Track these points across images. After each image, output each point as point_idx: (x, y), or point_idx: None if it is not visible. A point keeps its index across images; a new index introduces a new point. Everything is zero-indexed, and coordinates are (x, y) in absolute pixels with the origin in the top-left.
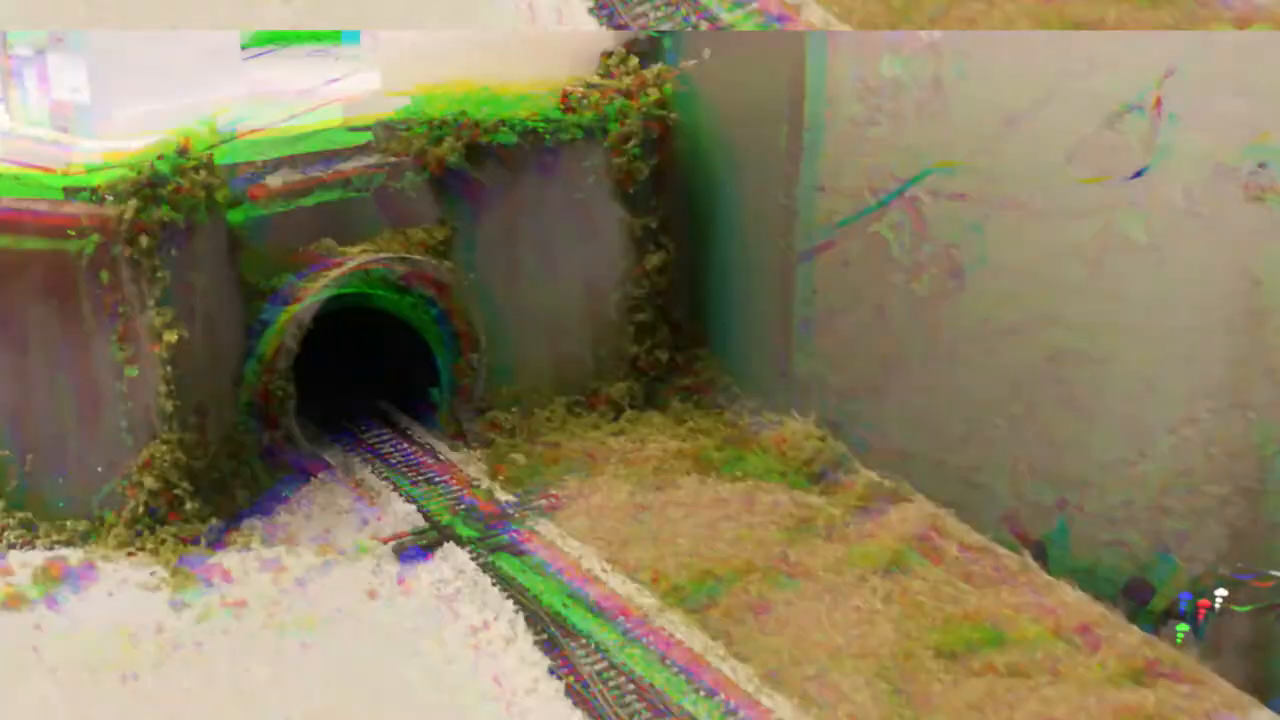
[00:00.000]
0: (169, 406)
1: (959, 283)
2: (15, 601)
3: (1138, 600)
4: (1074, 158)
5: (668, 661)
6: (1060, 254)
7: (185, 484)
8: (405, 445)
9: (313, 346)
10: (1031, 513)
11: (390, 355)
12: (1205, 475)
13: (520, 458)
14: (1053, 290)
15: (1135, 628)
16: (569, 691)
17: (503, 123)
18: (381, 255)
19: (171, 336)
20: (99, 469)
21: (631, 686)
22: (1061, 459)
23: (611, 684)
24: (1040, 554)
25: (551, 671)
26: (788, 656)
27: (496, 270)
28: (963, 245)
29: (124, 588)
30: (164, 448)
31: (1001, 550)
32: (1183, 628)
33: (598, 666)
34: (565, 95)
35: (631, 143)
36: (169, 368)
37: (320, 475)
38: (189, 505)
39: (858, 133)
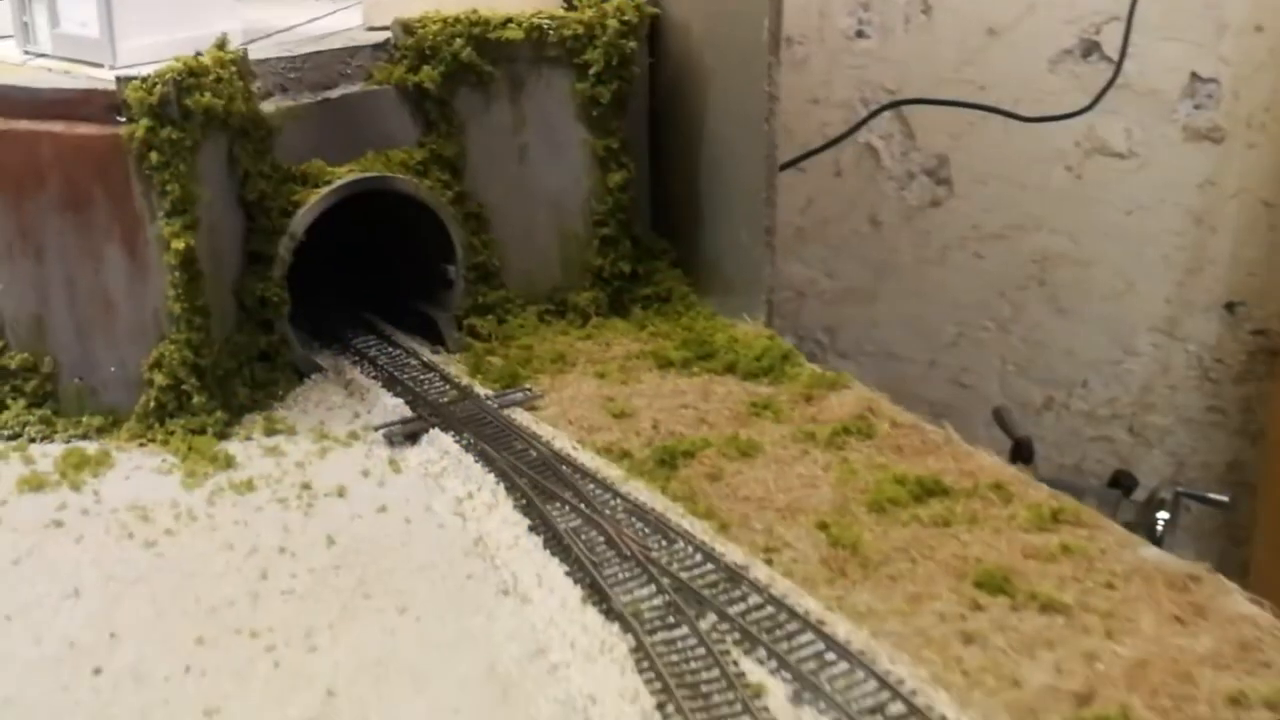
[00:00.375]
0: (176, 309)
1: (948, 190)
2: (39, 484)
3: (1122, 491)
4: (1055, 67)
5: (633, 519)
6: (1044, 161)
7: (192, 380)
8: (390, 349)
9: (306, 258)
10: (1020, 411)
11: (375, 270)
12: (1183, 372)
13: (497, 360)
14: (1037, 196)
15: (1043, 485)
16: (546, 544)
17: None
18: (365, 175)
19: (180, 244)
20: (112, 369)
21: (601, 539)
22: (1048, 359)
23: (583, 538)
24: (1028, 450)
25: (530, 529)
26: (739, 515)
27: (474, 190)
28: (951, 154)
29: (139, 472)
30: (172, 347)
31: (929, 426)
32: (1163, 515)
33: (573, 524)
34: (534, 28)
35: (594, 70)
36: (177, 274)
37: (313, 376)
38: (196, 400)
39: (848, 46)
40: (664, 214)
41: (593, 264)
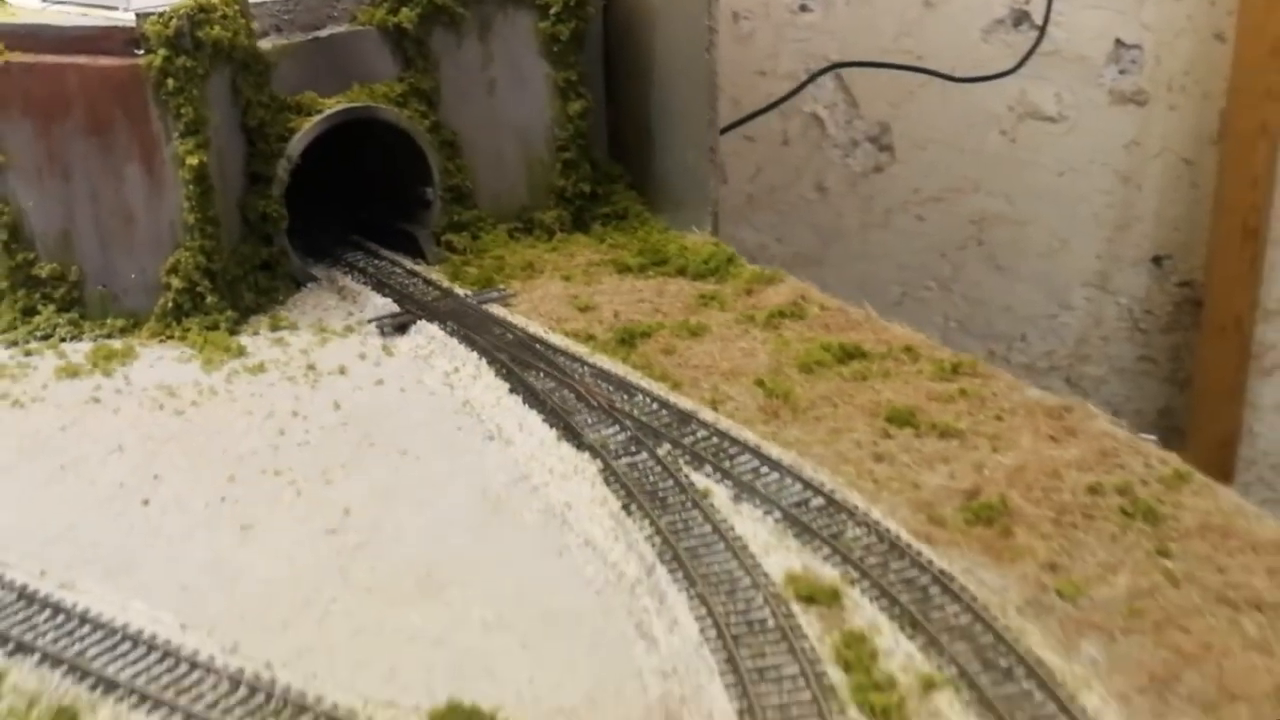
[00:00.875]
0: (190, 219)
1: (890, 156)
2: (73, 372)
3: None
4: (988, 36)
5: (598, 380)
6: (980, 126)
7: (205, 283)
8: (376, 261)
9: (299, 191)
10: None
11: (360, 201)
12: (1114, 324)
13: (472, 269)
14: (974, 159)
15: (948, 348)
16: (524, 400)
17: None
18: (352, 105)
19: (194, 160)
20: (132, 276)
21: (572, 395)
22: (988, 315)
23: (556, 395)
24: None
25: (510, 391)
26: (689, 377)
27: (448, 119)
28: (892, 122)
29: (161, 361)
30: (187, 254)
31: (853, 309)
32: None
33: (547, 385)
34: None
35: (554, 10)
36: (191, 187)
37: (309, 284)
38: (209, 300)
39: (792, 19)
40: (619, 140)
41: (556, 185)
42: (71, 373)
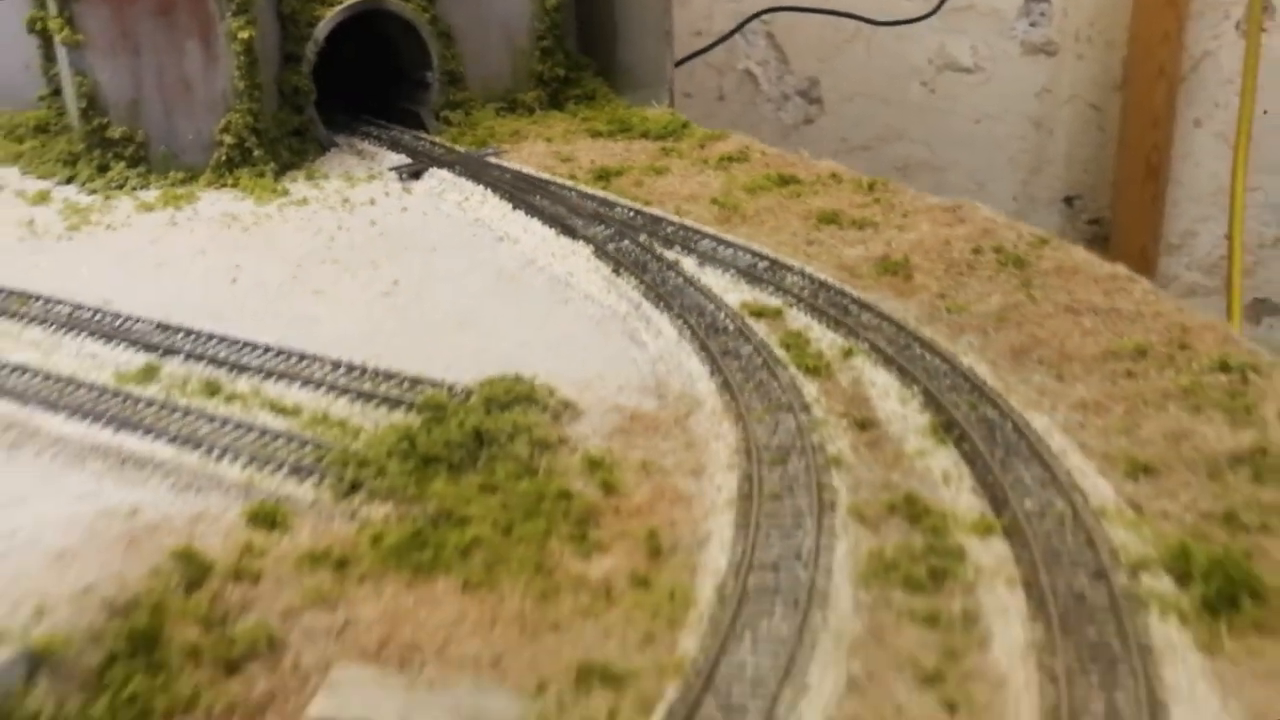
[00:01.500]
0: (240, 86)
1: (819, 109)
2: (149, 208)
3: None
4: None
5: (584, 199)
6: (902, 78)
7: (253, 139)
8: (387, 131)
9: (320, 82)
10: None
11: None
12: None
13: (468, 137)
14: (898, 110)
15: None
16: (526, 213)
17: None
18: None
19: (244, 35)
20: (190, 136)
21: (564, 208)
22: None
23: (548, 211)
24: None
25: (513, 209)
26: (657, 198)
27: (444, 13)
28: (821, 76)
29: (220, 200)
30: (237, 115)
31: (790, 155)
32: None
33: (544, 203)
34: None
35: None
36: (241, 58)
37: (333, 149)
38: (255, 153)
39: None
40: (587, 33)
41: (535, 70)
42: (148, 208)
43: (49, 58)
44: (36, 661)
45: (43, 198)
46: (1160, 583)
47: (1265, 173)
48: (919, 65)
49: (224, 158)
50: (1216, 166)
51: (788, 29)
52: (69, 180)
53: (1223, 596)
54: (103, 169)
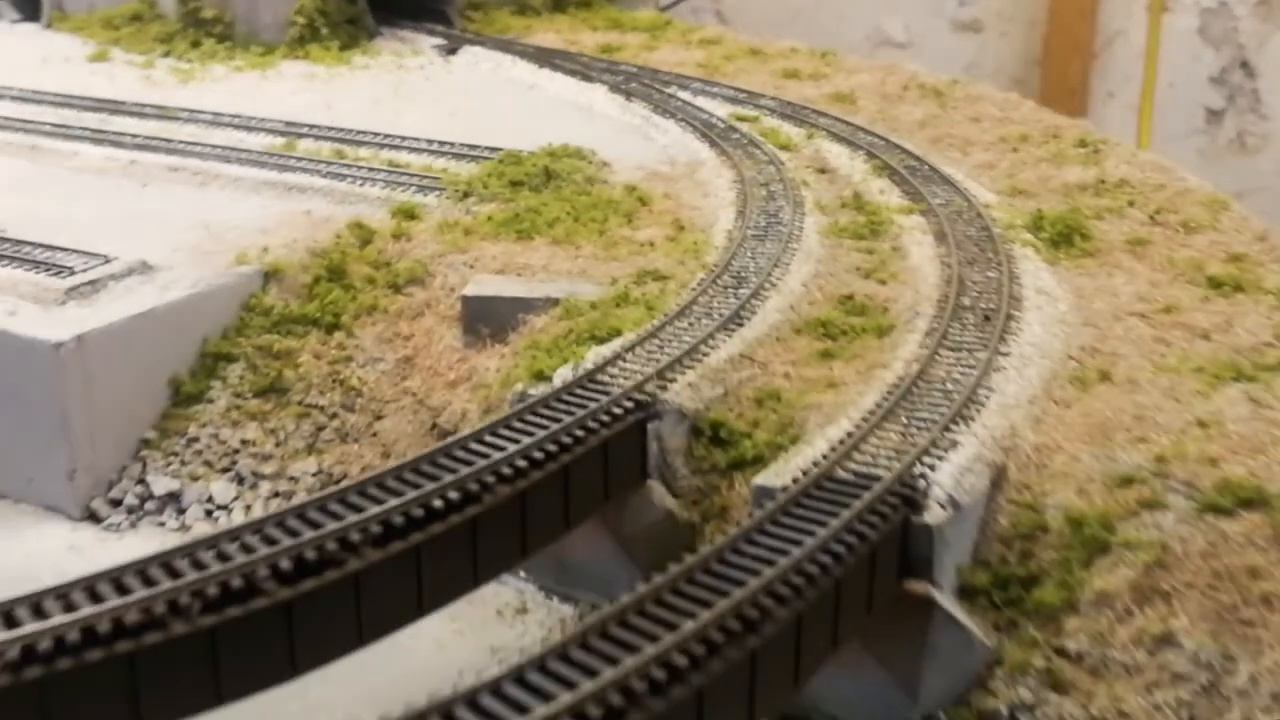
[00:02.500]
0: None
1: None
2: (239, 70)
3: None
4: None
5: (594, 60)
6: (841, 52)
7: (321, 19)
8: (421, 24)
9: None
10: None
11: None
12: None
13: (488, 30)
14: None
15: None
16: (549, 70)
17: None
18: None
19: None
20: (268, 18)
21: (578, 65)
22: None
23: (567, 68)
24: None
25: (538, 69)
26: (652, 65)
27: None
28: None
29: (298, 66)
30: (308, 1)
31: (757, 39)
32: None
33: (563, 63)
34: None
35: None
36: None
37: (378, 37)
38: (324, 32)
39: None
40: None
41: None
42: (240, 70)
43: None
44: (269, 275)
45: (149, 64)
46: (1022, 235)
47: (1169, 140)
48: (856, 42)
49: (297, 35)
50: (1126, 135)
51: (737, 7)
52: (166, 55)
53: (1063, 236)
54: (195, 44)
